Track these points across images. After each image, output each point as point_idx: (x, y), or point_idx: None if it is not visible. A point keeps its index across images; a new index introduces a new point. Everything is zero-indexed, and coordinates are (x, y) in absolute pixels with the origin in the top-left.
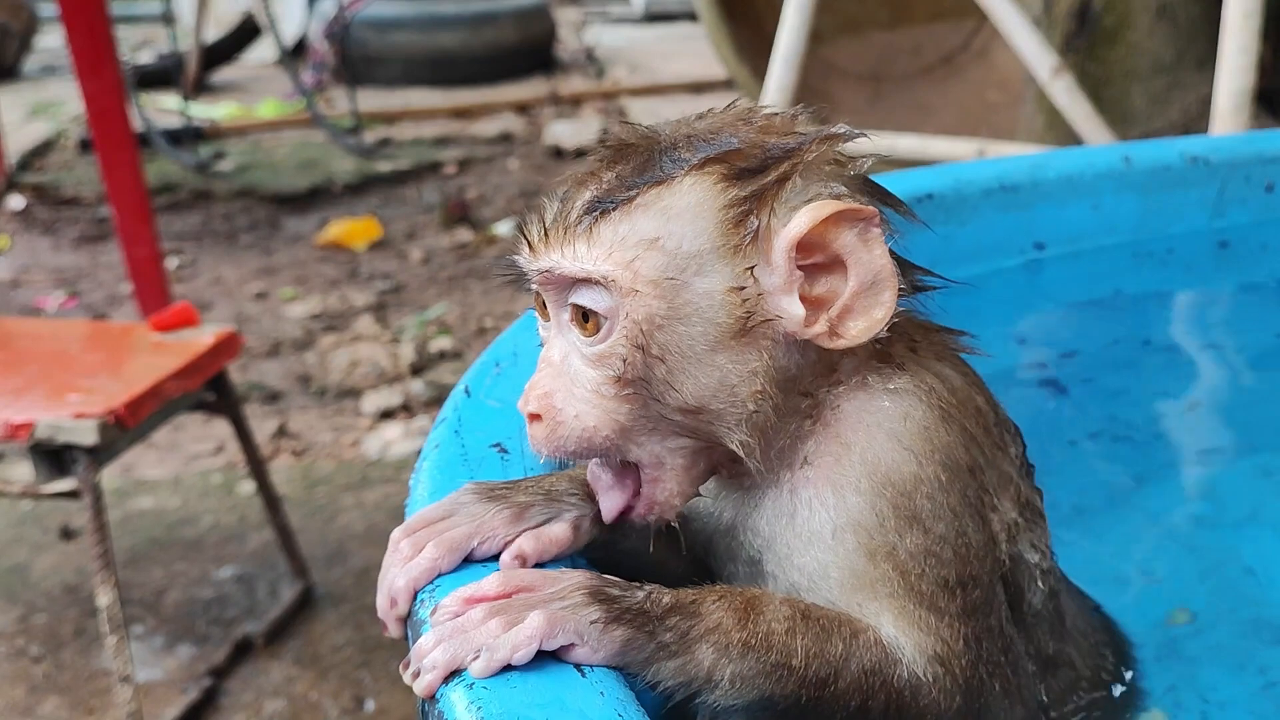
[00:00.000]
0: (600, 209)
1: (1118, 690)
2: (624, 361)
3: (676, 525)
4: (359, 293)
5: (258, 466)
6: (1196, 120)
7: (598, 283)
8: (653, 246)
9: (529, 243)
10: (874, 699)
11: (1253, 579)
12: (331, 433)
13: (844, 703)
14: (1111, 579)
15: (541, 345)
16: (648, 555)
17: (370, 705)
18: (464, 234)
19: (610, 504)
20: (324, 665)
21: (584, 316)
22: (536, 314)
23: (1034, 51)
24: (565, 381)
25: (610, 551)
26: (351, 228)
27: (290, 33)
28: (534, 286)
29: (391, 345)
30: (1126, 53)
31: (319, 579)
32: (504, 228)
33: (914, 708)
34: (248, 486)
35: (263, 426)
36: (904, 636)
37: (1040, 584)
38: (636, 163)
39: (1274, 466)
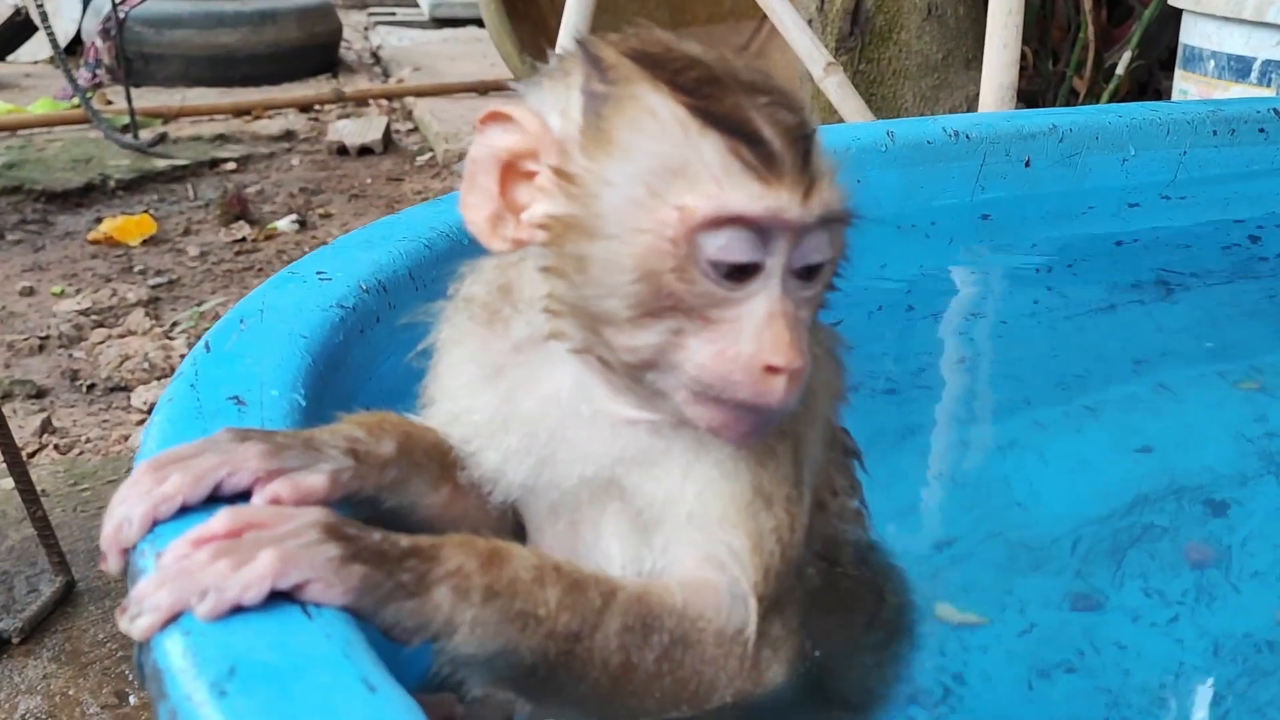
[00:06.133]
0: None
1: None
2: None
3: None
4: (132, 288)
5: (14, 458)
6: None
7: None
8: None
9: (804, 188)
10: (639, 655)
11: (1016, 509)
12: (100, 428)
13: (600, 659)
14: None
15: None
16: (415, 514)
17: (133, 700)
18: (243, 229)
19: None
20: (85, 661)
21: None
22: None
23: (808, 49)
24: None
25: (376, 510)
26: (125, 223)
27: (65, 30)
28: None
29: (164, 340)
30: (897, 52)
31: (81, 574)
32: (284, 223)
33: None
34: (6, 483)
35: (27, 423)
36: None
37: None
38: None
39: (1033, 418)
